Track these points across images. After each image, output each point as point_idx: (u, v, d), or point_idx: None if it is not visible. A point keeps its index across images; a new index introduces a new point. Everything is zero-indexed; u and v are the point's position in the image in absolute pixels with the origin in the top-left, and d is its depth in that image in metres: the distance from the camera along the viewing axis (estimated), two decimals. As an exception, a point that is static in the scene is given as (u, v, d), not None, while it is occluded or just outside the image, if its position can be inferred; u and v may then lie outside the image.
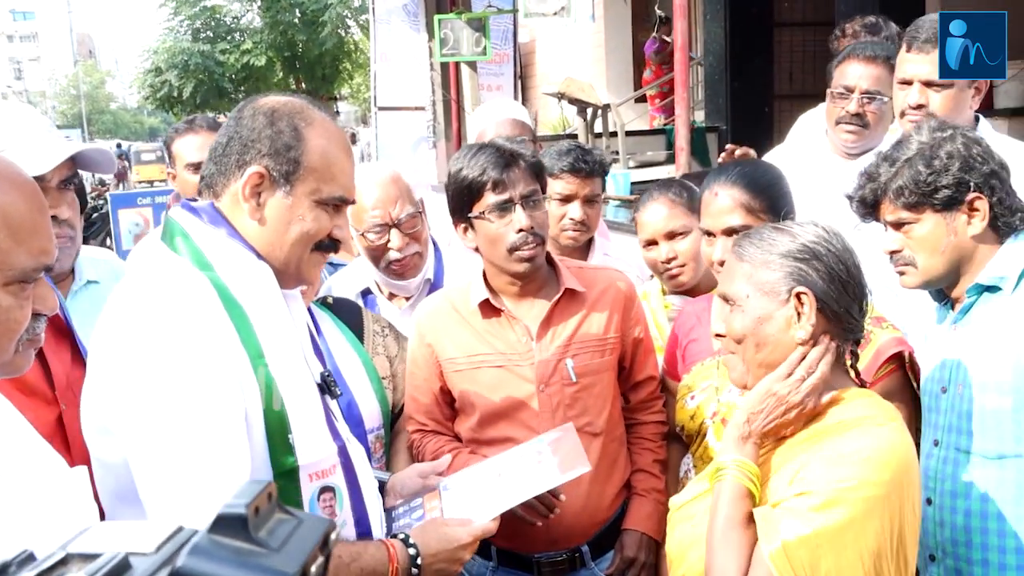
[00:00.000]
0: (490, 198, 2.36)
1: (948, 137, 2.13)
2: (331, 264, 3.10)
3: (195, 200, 1.81)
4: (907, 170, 2.11)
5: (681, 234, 2.71)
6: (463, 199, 2.40)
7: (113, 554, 0.72)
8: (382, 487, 2.12)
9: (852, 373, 1.87)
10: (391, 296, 2.92)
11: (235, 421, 1.62)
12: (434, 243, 2.96)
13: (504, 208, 2.36)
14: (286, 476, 1.68)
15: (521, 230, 2.35)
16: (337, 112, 25.98)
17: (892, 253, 2.20)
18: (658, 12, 9.44)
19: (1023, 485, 2.08)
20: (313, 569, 0.75)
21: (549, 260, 2.51)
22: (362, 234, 2.78)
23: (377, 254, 2.79)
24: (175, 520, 0.84)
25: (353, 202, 1.87)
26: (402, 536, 1.84)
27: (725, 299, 1.85)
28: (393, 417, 2.64)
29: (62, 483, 1.41)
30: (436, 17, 8.05)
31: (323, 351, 2.44)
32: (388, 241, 2.76)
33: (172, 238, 1.75)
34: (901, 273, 2.21)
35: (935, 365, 2.24)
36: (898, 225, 2.17)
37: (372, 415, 2.51)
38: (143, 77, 25.73)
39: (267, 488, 0.79)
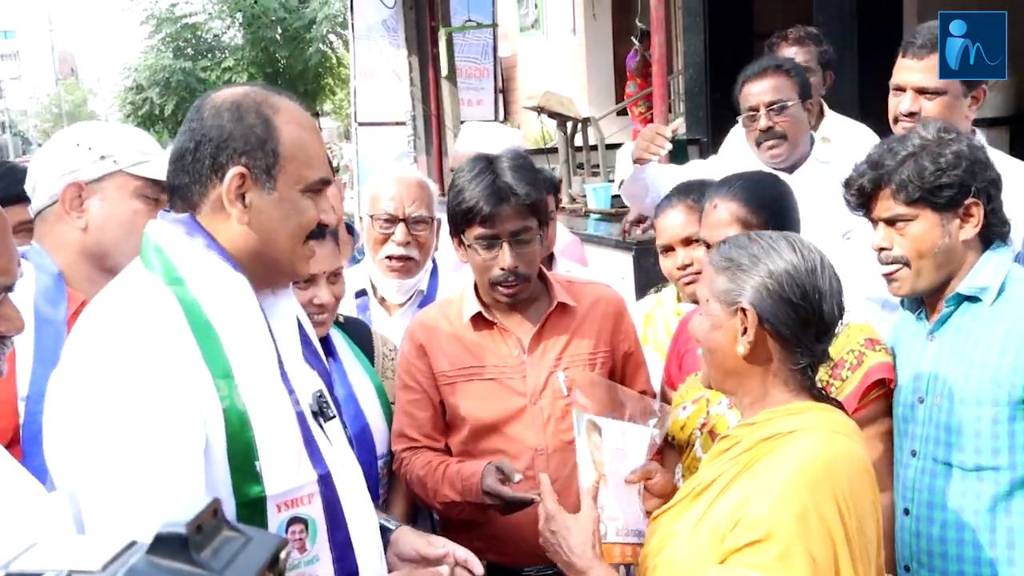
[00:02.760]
0: (478, 230, 2.36)
1: (955, 139, 2.12)
2: None
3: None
4: (912, 164, 2.09)
5: (697, 241, 2.68)
6: (457, 221, 2.42)
7: (56, 572, 0.70)
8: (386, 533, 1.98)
9: (813, 391, 1.82)
10: (382, 300, 2.96)
11: (185, 449, 1.51)
12: (434, 261, 3.01)
13: (491, 243, 2.36)
14: (251, 506, 1.57)
15: (504, 269, 2.36)
16: (320, 129, 26.02)
17: (881, 250, 2.17)
18: (639, 25, 9.44)
19: (1000, 498, 2.06)
20: None
21: (540, 274, 2.52)
22: (372, 219, 2.86)
23: (379, 243, 2.86)
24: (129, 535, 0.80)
25: (331, 182, 1.78)
26: None
27: (694, 300, 1.85)
28: None
29: (40, 509, 1.36)
30: (443, 30, 8.08)
31: (337, 374, 2.38)
32: (392, 234, 2.82)
33: (146, 253, 1.66)
34: (890, 278, 2.18)
35: (910, 375, 2.21)
36: (892, 222, 2.13)
37: (382, 441, 2.50)
38: (124, 95, 25.65)
39: (212, 504, 0.76)
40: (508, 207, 2.34)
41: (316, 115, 26.47)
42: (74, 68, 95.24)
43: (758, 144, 3.19)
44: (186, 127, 1.68)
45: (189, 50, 24.58)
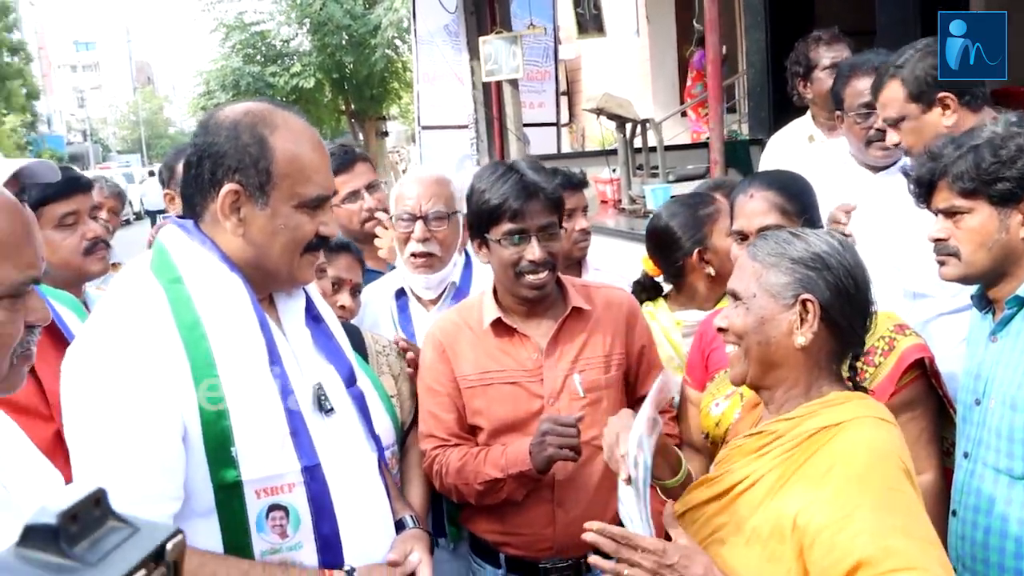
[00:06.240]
0: (507, 226, 2.44)
1: (1022, 133, 2.07)
2: (369, 271, 3.18)
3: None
4: (971, 155, 2.06)
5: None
6: (482, 220, 2.49)
7: None
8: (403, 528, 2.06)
9: (851, 384, 1.86)
10: (419, 298, 3.03)
11: (158, 435, 1.64)
12: (467, 253, 3.07)
13: (520, 238, 2.44)
14: (227, 489, 1.69)
15: (533, 261, 2.43)
16: (386, 132, 26.22)
17: (937, 241, 2.16)
18: (697, 26, 9.37)
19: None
20: None
21: (556, 279, 2.58)
22: (395, 219, 2.97)
23: (403, 242, 2.96)
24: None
25: (333, 195, 1.86)
26: (347, 568, 1.79)
27: (734, 295, 1.86)
28: (404, 434, 2.70)
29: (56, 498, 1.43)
30: (481, 39, 8.13)
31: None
32: (412, 231, 2.91)
33: (155, 255, 1.80)
34: (941, 263, 2.16)
35: (971, 375, 2.19)
36: (950, 214, 2.12)
37: (386, 432, 2.55)
38: (197, 100, 26.26)
39: (94, 495, 0.72)
40: (536, 202, 2.45)
41: (383, 119, 26.77)
42: (150, 77, 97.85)
43: (869, 142, 3.10)
44: (195, 140, 1.80)
45: (258, 56, 25.04)
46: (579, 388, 2.50)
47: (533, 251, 2.44)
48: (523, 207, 2.43)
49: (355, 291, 2.82)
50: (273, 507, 1.72)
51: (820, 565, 1.60)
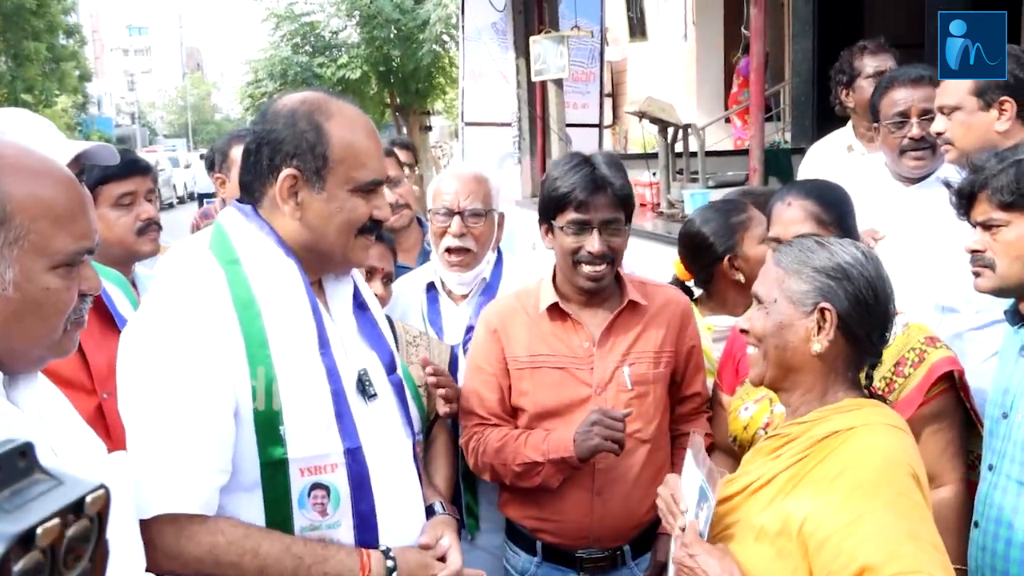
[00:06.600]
0: (571, 215, 2.50)
1: None
2: (398, 267, 3.24)
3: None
4: (1013, 169, 2.10)
5: None
6: (550, 206, 2.57)
7: None
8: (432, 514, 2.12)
9: (867, 392, 1.90)
10: (449, 293, 3.08)
11: (211, 409, 1.72)
12: (499, 251, 3.12)
13: (583, 228, 2.50)
14: (274, 466, 1.76)
15: (591, 252, 2.49)
16: (429, 127, 26.30)
17: (974, 252, 2.19)
18: (744, 33, 9.35)
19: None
20: (40, 531, 0.69)
21: (615, 273, 2.64)
22: (432, 213, 3.01)
23: (439, 236, 2.99)
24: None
25: (386, 181, 1.96)
26: (383, 548, 1.85)
27: (757, 299, 1.92)
28: (429, 425, 2.74)
29: (102, 466, 1.53)
30: (531, 39, 8.20)
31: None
32: (449, 227, 2.95)
33: (214, 236, 1.89)
34: (977, 275, 2.20)
35: (1000, 389, 2.21)
36: (987, 226, 2.15)
37: (414, 420, 2.56)
38: (244, 88, 26.51)
39: (19, 447, 0.73)
40: (603, 196, 2.50)
41: (427, 113, 26.85)
42: (200, 63, 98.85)
43: (902, 152, 3.11)
44: (254, 127, 1.89)
45: (307, 47, 25.20)
46: (627, 380, 2.56)
47: (593, 243, 2.49)
48: (588, 199, 2.49)
49: (387, 280, 2.89)
50: (315, 485, 1.79)
51: (827, 569, 1.65)
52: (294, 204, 1.82)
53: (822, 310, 1.81)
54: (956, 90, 2.80)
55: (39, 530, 0.69)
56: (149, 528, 1.68)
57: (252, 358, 1.74)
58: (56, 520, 0.70)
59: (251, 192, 1.88)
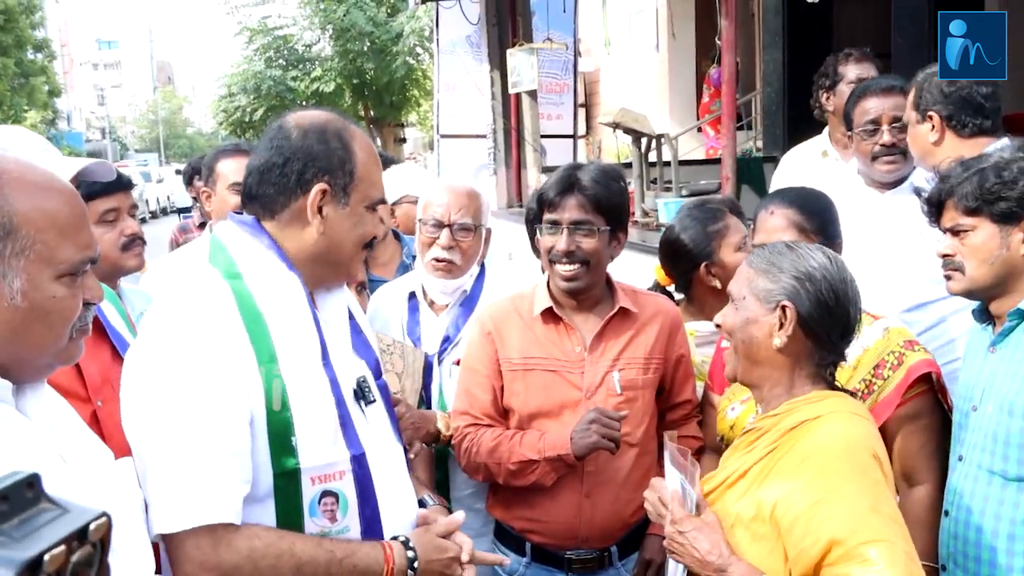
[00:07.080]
0: (546, 215, 2.63)
1: None
2: (371, 280, 3.29)
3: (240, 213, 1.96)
4: (976, 176, 2.21)
5: None
6: (534, 207, 2.70)
7: None
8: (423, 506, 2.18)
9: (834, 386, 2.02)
10: (431, 303, 3.11)
11: (230, 421, 1.74)
12: (482, 266, 3.16)
13: (554, 227, 2.61)
14: (287, 476, 1.80)
15: (559, 251, 2.58)
16: (404, 139, 26.38)
17: (944, 257, 2.30)
18: (717, 42, 9.47)
19: (1038, 510, 2.11)
20: (47, 558, 0.73)
21: (607, 280, 2.73)
22: (422, 223, 3.05)
23: (426, 246, 3.03)
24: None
25: (385, 201, 2.04)
26: (402, 539, 1.90)
27: (730, 295, 2.05)
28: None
29: (109, 472, 1.57)
30: (508, 51, 8.31)
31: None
32: (438, 238, 2.99)
33: (212, 250, 1.92)
34: (948, 278, 2.31)
35: (969, 384, 2.30)
36: (956, 231, 2.25)
37: None
38: (218, 103, 26.44)
39: (26, 479, 0.78)
40: (572, 197, 2.59)
41: (401, 126, 26.90)
42: (171, 77, 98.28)
43: (874, 158, 3.21)
44: (271, 144, 1.91)
45: (280, 60, 25.19)
46: (617, 385, 2.62)
47: (561, 242, 2.58)
48: (558, 199, 2.59)
49: (360, 288, 2.93)
50: (325, 493, 1.83)
51: (798, 547, 1.77)
52: (320, 218, 1.88)
53: (783, 307, 1.92)
54: (904, 104, 2.99)
55: (46, 557, 0.73)
56: (184, 541, 1.70)
57: (263, 371, 1.78)
58: (62, 547, 0.75)
59: (268, 206, 1.91)
